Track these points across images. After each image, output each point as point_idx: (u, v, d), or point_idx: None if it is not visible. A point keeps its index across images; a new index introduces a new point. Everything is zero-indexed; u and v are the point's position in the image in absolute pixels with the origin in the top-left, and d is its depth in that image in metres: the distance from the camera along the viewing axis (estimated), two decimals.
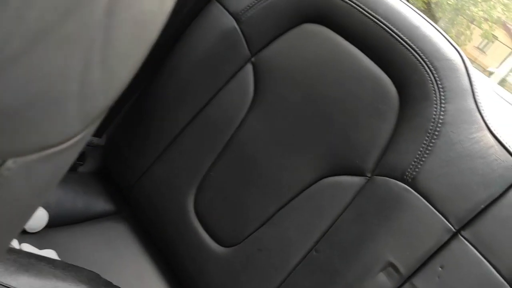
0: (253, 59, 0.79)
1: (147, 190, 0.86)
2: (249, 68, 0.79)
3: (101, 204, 0.90)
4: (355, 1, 0.69)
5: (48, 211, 0.77)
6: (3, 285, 0.51)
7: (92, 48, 0.22)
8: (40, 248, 0.69)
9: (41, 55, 0.20)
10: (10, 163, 0.22)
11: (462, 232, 0.56)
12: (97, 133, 0.89)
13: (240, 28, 0.80)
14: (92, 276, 0.63)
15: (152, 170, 0.86)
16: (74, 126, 0.24)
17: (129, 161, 0.90)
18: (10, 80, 0.20)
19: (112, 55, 0.23)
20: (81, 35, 0.21)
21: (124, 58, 0.25)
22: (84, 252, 0.78)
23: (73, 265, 0.62)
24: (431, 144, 0.60)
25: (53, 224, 0.79)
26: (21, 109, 0.21)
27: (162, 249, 0.84)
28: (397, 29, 0.65)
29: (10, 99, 0.20)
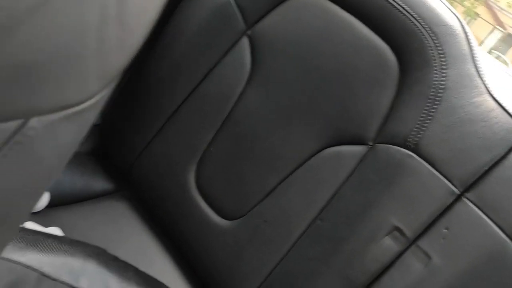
0: (249, 32, 0.78)
1: (146, 169, 0.86)
2: (245, 41, 0.79)
3: (100, 183, 0.89)
4: None
5: (47, 190, 0.76)
6: (13, 261, 0.51)
7: (107, 2, 0.22)
8: (45, 226, 0.69)
9: (58, 8, 0.20)
10: (34, 122, 0.22)
11: (466, 194, 0.57)
12: None
13: (235, 1, 0.79)
14: (99, 251, 0.63)
15: (150, 148, 0.86)
16: (93, 85, 0.24)
17: (126, 140, 0.89)
18: (29, 33, 0.19)
19: (128, 11, 0.23)
20: None
21: (139, 14, 0.24)
22: (87, 230, 0.78)
23: (79, 241, 0.62)
24: (432, 110, 0.60)
25: (53, 204, 0.79)
26: (41, 64, 0.20)
27: (165, 225, 0.85)
28: None
29: (31, 53, 0.20)
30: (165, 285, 0.70)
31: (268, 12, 0.76)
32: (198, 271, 0.80)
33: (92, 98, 0.24)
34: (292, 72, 0.73)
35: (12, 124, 0.21)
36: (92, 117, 0.26)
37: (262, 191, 0.74)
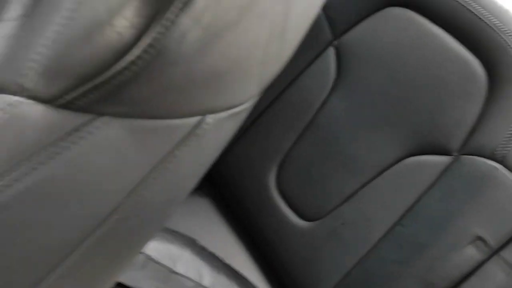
0: (335, 42, 0.82)
1: (228, 168, 0.91)
2: (331, 51, 0.82)
3: None
4: None
5: None
6: None
7: (276, 21, 0.26)
8: None
9: (245, 26, 0.24)
10: (209, 118, 0.27)
11: None
12: None
13: (324, 11, 0.83)
14: (192, 241, 0.69)
15: (233, 148, 0.91)
16: (253, 89, 0.28)
17: None
18: (224, 46, 0.24)
19: (288, 28, 0.28)
20: (272, 10, 0.25)
21: (295, 31, 0.29)
22: (173, 221, 0.84)
23: (174, 230, 0.68)
24: None
25: None
26: (225, 71, 0.25)
27: (244, 221, 0.89)
28: (487, 12, 0.67)
29: (220, 62, 0.24)
30: (247, 279, 0.75)
31: (356, 23, 0.79)
32: (275, 268, 0.84)
33: (249, 101, 0.29)
34: (378, 82, 0.76)
35: (194, 119, 0.26)
36: (243, 117, 0.30)
37: (342, 195, 0.77)
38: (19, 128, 0.22)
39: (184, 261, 0.64)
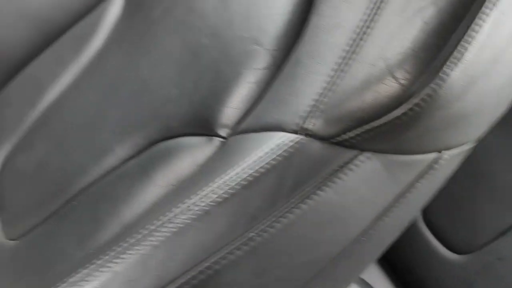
0: None
1: None
2: None
3: None
4: None
5: None
6: None
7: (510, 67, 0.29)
8: None
9: (492, 73, 0.27)
10: (445, 154, 0.30)
11: None
12: None
13: None
14: None
15: None
16: (484, 128, 0.31)
17: None
18: (475, 92, 0.27)
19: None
20: (509, 57, 0.28)
21: None
22: None
23: None
24: None
25: None
26: (469, 114, 0.28)
27: (389, 253, 0.90)
28: None
29: (468, 106, 0.27)
30: None
31: None
32: None
33: (478, 138, 0.32)
34: None
35: (433, 155, 0.29)
36: (469, 153, 0.33)
37: (497, 229, 0.75)
38: (301, 160, 0.27)
39: None
